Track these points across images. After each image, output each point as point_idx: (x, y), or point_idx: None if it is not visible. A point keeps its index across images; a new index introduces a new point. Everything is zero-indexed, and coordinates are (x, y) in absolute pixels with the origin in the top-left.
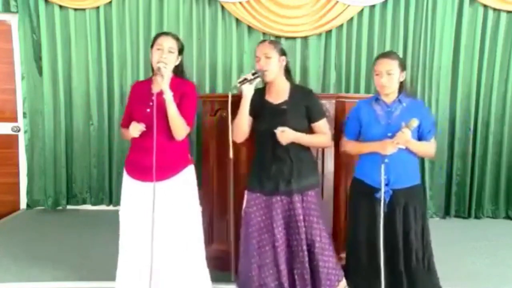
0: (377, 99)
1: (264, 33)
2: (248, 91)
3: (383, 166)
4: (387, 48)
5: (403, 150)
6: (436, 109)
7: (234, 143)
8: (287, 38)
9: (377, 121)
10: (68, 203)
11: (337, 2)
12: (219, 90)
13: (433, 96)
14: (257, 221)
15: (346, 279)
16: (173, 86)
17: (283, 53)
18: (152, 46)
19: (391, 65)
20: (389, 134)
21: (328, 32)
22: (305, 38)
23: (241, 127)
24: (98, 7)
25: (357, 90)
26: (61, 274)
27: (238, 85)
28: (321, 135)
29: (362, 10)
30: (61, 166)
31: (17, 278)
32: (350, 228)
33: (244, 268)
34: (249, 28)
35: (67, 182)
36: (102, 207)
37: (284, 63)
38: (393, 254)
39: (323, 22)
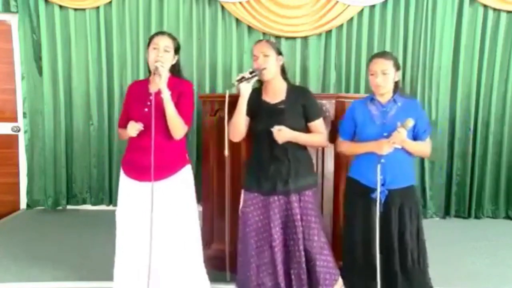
0: (372, 99)
1: (264, 33)
2: (245, 90)
3: (379, 166)
4: (387, 48)
5: (399, 150)
6: (436, 109)
7: (234, 142)
8: (287, 38)
9: (372, 121)
10: (68, 203)
11: (337, 2)
12: (219, 90)
13: (433, 96)
14: (255, 221)
15: (342, 279)
16: (170, 85)
17: (280, 52)
18: (148, 46)
19: (386, 64)
20: (385, 134)
21: (328, 32)
22: (305, 38)
23: (238, 126)
24: (98, 7)
25: (357, 90)
26: (61, 274)
27: (236, 83)
28: (318, 134)
29: (362, 10)
30: (61, 166)
31: (17, 278)
32: (346, 228)
33: (243, 268)
34: (249, 28)
35: (67, 182)
36: (102, 207)
37: (281, 63)
38: (388, 254)
39: (323, 22)
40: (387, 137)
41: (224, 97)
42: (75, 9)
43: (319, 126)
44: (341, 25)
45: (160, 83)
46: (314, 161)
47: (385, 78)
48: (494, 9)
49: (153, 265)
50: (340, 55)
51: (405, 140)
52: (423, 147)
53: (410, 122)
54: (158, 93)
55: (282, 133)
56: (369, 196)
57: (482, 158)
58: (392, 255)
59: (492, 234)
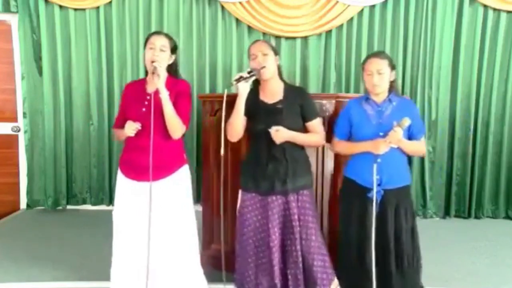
0: (367, 98)
1: (264, 33)
2: (244, 90)
3: (375, 166)
4: (388, 48)
5: (394, 150)
6: (436, 109)
7: (234, 142)
8: (287, 38)
9: (368, 121)
10: (68, 203)
11: (337, 2)
12: (219, 90)
13: (433, 96)
14: (253, 221)
15: (338, 279)
16: (168, 85)
17: (276, 52)
18: (145, 46)
19: (382, 64)
20: (381, 134)
21: (328, 32)
22: (305, 38)
23: (236, 126)
24: (98, 7)
25: (357, 90)
26: (61, 274)
27: (234, 83)
28: (315, 134)
29: (362, 10)
30: (61, 166)
31: (17, 278)
32: (341, 228)
33: (241, 268)
34: (249, 28)
35: (67, 182)
36: (102, 207)
37: (278, 63)
38: (384, 254)
39: (323, 22)
40: (383, 136)
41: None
42: (75, 9)
43: (317, 125)
44: (341, 25)
45: (159, 83)
46: (314, 160)
47: (381, 77)
48: (494, 9)
49: (151, 265)
50: (340, 55)
51: (401, 140)
52: (418, 147)
53: (407, 121)
54: (156, 93)
55: (280, 134)
56: (365, 196)
57: (482, 158)
58: (388, 255)
59: (492, 234)
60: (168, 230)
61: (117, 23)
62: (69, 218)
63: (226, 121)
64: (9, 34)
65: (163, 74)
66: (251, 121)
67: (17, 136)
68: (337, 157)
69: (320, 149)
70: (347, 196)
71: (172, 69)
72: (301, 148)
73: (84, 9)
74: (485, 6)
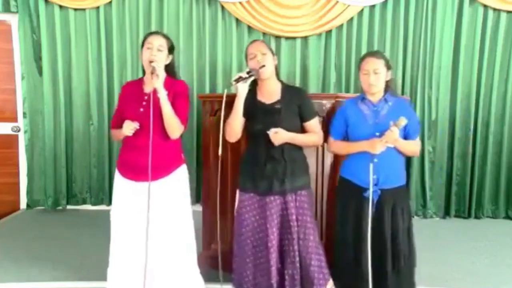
0: (363, 98)
1: (264, 33)
2: (243, 90)
3: (371, 166)
4: (388, 48)
5: (391, 150)
6: (436, 109)
7: (234, 143)
8: (287, 38)
9: (364, 121)
10: (68, 203)
11: (337, 2)
12: (219, 90)
13: (433, 96)
14: (251, 221)
15: (333, 279)
16: (166, 85)
17: (273, 53)
18: (142, 46)
19: (378, 64)
20: (377, 134)
21: (328, 32)
22: (305, 38)
23: (234, 126)
24: (98, 7)
25: (357, 90)
26: (61, 274)
27: (234, 83)
28: (313, 134)
29: (362, 10)
30: (61, 166)
31: (17, 278)
32: (338, 228)
33: (239, 268)
34: (249, 28)
35: (67, 182)
36: (102, 207)
37: (275, 63)
38: (380, 254)
39: (323, 22)
40: (380, 136)
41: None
42: (75, 9)
43: (314, 125)
44: (341, 25)
45: (157, 83)
46: (314, 160)
47: (377, 77)
48: (494, 9)
49: (148, 264)
50: (340, 55)
51: (398, 139)
52: (414, 146)
53: (403, 121)
54: (155, 92)
55: (279, 136)
56: (362, 196)
57: (482, 158)
58: (384, 255)
59: (492, 234)
60: (166, 230)
61: (117, 23)
62: (69, 218)
63: (225, 122)
64: (9, 34)
65: (161, 74)
66: (249, 121)
67: (17, 136)
68: (337, 157)
69: (320, 149)
70: (343, 196)
71: (170, 69)
72: (299, 148)
73: (84, 9)
74: (485, 6)
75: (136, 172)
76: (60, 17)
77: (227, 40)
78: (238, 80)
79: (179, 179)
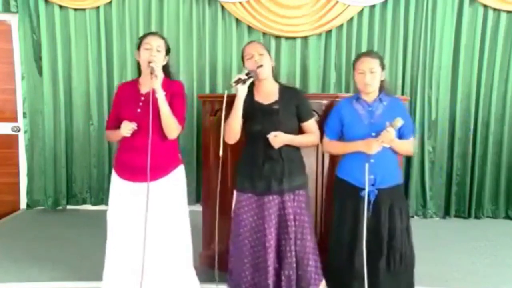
0: (358, 98)
1: (264, 33)
2: (242, 91)
3: (367, 165)
4: (388, 48)
5: (386, 149)
6: (436, 109)
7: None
8: (287, 38)
9: (360, 121)
10: (68, 203)
11: (337, 2)
12: (219, 90)
13: (433, 96)
14: (249, 221)
15: (328, 280)
16: (163, 86)
17: (270, 53)
18: (139, 46)
19: (373, 63)
20: (373, 134)
21: (328, 32)
22: (305, 38)
23: (234, 128)
24: (98, 7)
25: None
26: (60, 274)
27: (234, 84)
28: (311, 134)
29: (362, 10)
30: (61, 166)
31: (17, 278)
32: (334, 228)
33: (237, 268)
34: (249, 28)
35: (67, 182)
36: (102, 207)
37: (272, 64)
38: (377, 254)
39: (323, 22)
40: (375, 136)
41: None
42: (75, 9)
43: (312, 125)
44: (341, 25)
45: (156, 84)
46: (314, 160)
47: (373, 76)
48: (494, 9)
49: (147, 265)
50: (340, 55)
51: (394, 140)
52: (409, 146)
53: (399, 122)
54: (152, 93)
55: (278, 139)
56: (358, 196)
57: (482, 158)
58: (381, 256)
59: (492, 234)
60: (164, 230)
61: (117, 23)
62: (69, 218)
63: (224, 123)
64: (9, 34)
65: (160, 75)
66: (248, 122)
67: (17, 136)
68: (336, 157)
69: (320, 149)
70: (339, 196)
71: (166, 70)
72: (297, 148)
73: (84, 9)
74: (485, 6)
75: (133, 173)
76: (60, 17)
77: (227, 40)
78: (237, 81)
79: (178, 180)
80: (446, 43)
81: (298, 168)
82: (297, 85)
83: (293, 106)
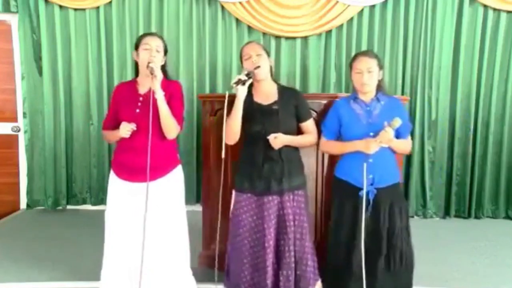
0: (355, 98)
1: (264, 33)
2: (242, 92)
3: (365, 165)
4: (388, 48)
5: (384, 149)
6: (436, 109)
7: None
8: (287, 38)
9: (358, 121)
10: (68, 203)
11: (337, 2)
12: (219, 90)
13: (433, 96)
14: (248, 221)
15: (327, 280)
16: (162, 86)
17: (269, 54)
18: (136, 47)
19: (371, 63)
20: (371, 134)
21: (328, 32)
22: (305, 38)
23: (233, 129)
24: (98, 7)
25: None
26: (60, 274)
27: (234, 85)
28: (309, 135)
29: (362, 10)
30: (61, 166)
31: (17, 278)
32: (332, 228)
33: (236, 269)
34: (249, 28)
35: (67, 182)
36: (102, 207)
37: (271, 64)
38: (376, 254)
39: (323, 22)
40: (374, 136)
41: (224, 97)
42: (75, 9)
43: (310, 125)
44: (341, 25)
45: (155, 84)
46: (314, 160)
47: (370, 76)
48: (494, 9)
49: (146, 265)
50: (340, 55)
51: (392, 139)
52: (406, 145)
53: (398, 122)
54: (152, 93)
55: (278, 140)
56: (358, 196)
57: (482, 158)
58: (380, 255)
59: (492, 234)
60: (163, 230)
61: (117, 23)
62: (69, 218)
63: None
64: (9, 34)
65: (159, 75)
66: (247, 122)
67: (17, 136)
68: (335, 157)
69: (319, 149)
70: (338, 196)
71: (164, 70)
72: (295, 148)
73: (84, 9)
74: (485, 6)
75: (132, 173)
76: (60, 17)
77: (227, 40)
78: (237, 82)
79: (176, 180)
80: (446, 43)
81: (297, 168)
82: (297, 85)
83: (292, 106)
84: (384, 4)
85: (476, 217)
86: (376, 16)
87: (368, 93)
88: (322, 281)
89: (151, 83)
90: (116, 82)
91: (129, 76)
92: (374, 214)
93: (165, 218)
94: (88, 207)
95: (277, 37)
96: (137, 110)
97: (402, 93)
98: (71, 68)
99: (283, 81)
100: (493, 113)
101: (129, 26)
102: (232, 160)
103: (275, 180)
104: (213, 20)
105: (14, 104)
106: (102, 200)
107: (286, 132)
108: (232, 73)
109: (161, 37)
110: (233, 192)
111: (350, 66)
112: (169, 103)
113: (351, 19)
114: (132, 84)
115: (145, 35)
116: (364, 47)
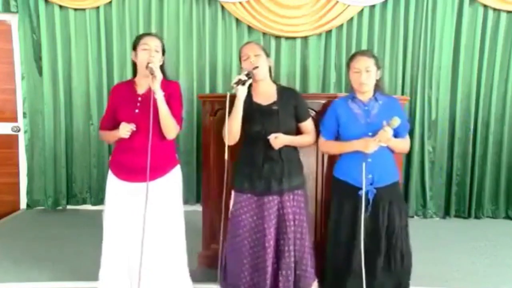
0: (353, 97)
1: (264, 33)
2: (242, 92)
3: (364, 165)
4: (388, 48)
5: (383, 148)
6: (436, 109)
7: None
8: (287, 38)
9: (356, 120)
10: (68, 203)
11: (337, 2)
12: (219, 90)
13: (433, 96)
14: (248, 222)
15: (327, 279)
16: (161, 86)
17: (267, 54)
18: (134, 47)
19: (369, 62)
20: (370, 134)
21: (328, 32)
22: (305, 38)
23: (233, 129)
24: (98, 7)
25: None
26: (61, 274)
27: (234, 86)
28: (308, 134)
29: (362, 10)
30: (61, 166)
31: (17, 278)
32: (332, 228)
33: (236, 269)
34: (249, 28)
35: (67, 182)
36: (102, 207)
37: (269, 64)
38: (376, 254)
39: (323, 22)
40: (372, 136)
41: (224, 97)
42: (75, 9)
43: (309, 125)
44: (341, 25)
45: (155, 84)
46: (314, 160)
47: (368, 75)
48: (494, 9)
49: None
50: (340, 55)
51: (391, 139)
52: (405, 144)
53: (396, 121)
54: (152, 93)
55: (279, 140)
56: (357, 196)
57: (482, 158)
58: (380, 255)
59: (492, 234)
60: (162, 230)
61: (117, 23)
62: (69, 218)
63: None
64: (9, 34)
65: (159, 75)
66: (247, 123)
67: (17, 136)
68: (335, 157)
69: (319, 149)
70: (337, 196)
71: (163, 70)
72: (295, 148)
73: (84, 9)
74: (485, 6)
75: (131, 173)
76: (60, 17)
77: (227, 40)
78: (238, 82)
79: (175, 180)
80: (446, 43)
81: (296, 168)
82: (297, 85)
83: (291, 106)
84: (384, 4)
85: (476, 217)
86: (376, 16)
87: (366, 92)
88: (319, 281)
89: (151, 84)
90: (116, 82)
91: (129, 76)
92: (374, 213)
93: (164, 218)
94: (88, 207)
95: (277, 37)
96: (136, 111)
97: (402, 93)
98: (71, 68)
99: (283, 81)
100: (493, 113)
101: (129, 26)
102: (232, 160)
103: (275, 180)
104: (213, 20)
105: (14, 104)
106: (102, 200)
107: (286, 132)
108: (232, 73)
109: (159, 37)
110: (232, 192)
111: (348, 65)
112: (168, 103)
113: (351, 19)
114: (130, 85)
115: (143, 35)
116: (364, 47)
